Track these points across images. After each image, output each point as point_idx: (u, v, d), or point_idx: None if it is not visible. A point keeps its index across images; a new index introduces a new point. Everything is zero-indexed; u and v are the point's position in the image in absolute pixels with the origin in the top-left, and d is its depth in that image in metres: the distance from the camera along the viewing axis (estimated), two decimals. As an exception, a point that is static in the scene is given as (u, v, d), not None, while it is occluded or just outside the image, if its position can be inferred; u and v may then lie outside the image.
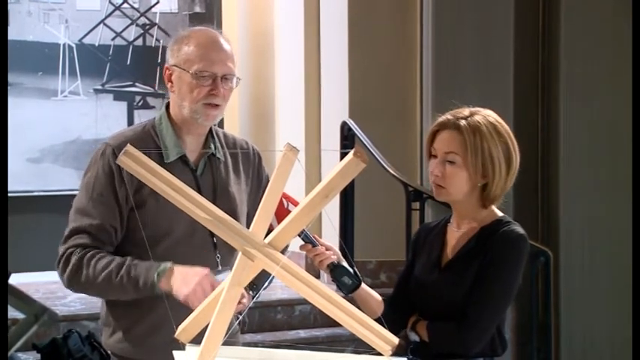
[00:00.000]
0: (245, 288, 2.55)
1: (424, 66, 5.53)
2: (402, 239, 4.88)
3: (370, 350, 2.01)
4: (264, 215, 1.93)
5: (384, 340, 1.97)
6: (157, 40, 6.35)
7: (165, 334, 2.33)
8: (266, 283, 2.34)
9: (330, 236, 5.05)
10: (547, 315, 4.96)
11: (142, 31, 6.34)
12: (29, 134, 6.03)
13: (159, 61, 6.31)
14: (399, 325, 2.60)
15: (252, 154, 2.89)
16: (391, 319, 2.30)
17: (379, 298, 2.66)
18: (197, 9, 6.42)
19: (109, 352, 2.79)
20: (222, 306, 1.90)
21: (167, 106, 2.78)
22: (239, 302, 2.58)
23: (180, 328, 2.04)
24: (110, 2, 6.26)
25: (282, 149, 1.87)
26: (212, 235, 2.66)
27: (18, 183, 5.85)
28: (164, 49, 6.30)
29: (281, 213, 2.18)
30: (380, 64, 5.65)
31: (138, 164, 1.85)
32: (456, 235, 2.64)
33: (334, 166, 1.88)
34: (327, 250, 2.56)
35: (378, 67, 5.65)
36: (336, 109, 5.72)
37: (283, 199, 2.45)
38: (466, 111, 2.60)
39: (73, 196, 2.76)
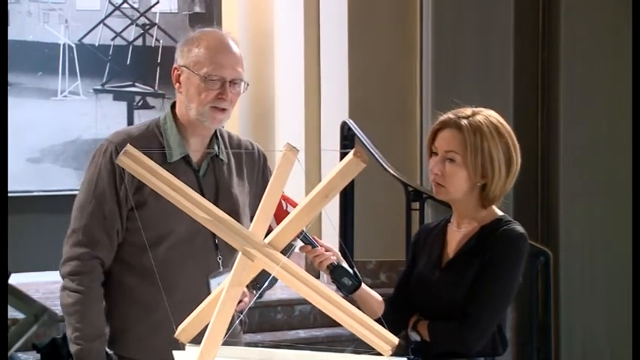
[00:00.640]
0: (248, 286, 2.56)
1: (424, 66, 5.53)
2: (402, 239, 4.88)
3: (370, 350, 2.01)
4: (263, 215, 1.93)
5: (384, 340, 1.97)
6: (156, 40, 6.35)
7: (165, 334, 2.33)
8: (266, 284, 2.34)
9: (330, 236, 5.05)
10: (547, 315, 4.96)
11: (142, 31, 6.34)
12: (29, 134, 6.02)
13: (159, 61, 6.31)
14: (399, 325, 2.60)
15: (257, 155, 2.89)
16: (391, 319, 2.30)
17: (379, 298, 2.66)
18: (197, 9, 6.42)
19: (110, 351, 2.79)
20: (222, 306, 1.90)
21: (172, 106, 2.79)
22: (240, 301, 2.59)
23: (180, 328, 2.04)
24: (110, 2, 6.26)
25: (282, 149, 1.87)
26: (214, 236, 2.66)
27: (18, 183, 5.85)
28: (164, 49, 6.36)
29: (280, 214, 2.18)
30: (380, 64, 5.65)
31: (137, 164, 1.85)
32: (456, 235, 2.64)
33: (334, 166, 1.88)
34: (326, 250, 2.56)
35: (378, 67, 5.65)
36: (336, 109, 5.72)
37: (282, 201, 2.45)
38: (468, 110, 2.60)
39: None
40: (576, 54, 5.55)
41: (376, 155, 5.04)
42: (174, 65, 2.74)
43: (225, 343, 1.94)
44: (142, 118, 6.02)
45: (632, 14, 5.00)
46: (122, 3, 6.29)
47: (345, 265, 2.57)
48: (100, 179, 2.68)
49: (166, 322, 2.20)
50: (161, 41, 6.33)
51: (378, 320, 2.00)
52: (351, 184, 4.96)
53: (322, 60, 5.93)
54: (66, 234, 2.72)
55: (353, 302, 2.14)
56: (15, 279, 1.68)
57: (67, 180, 6.01)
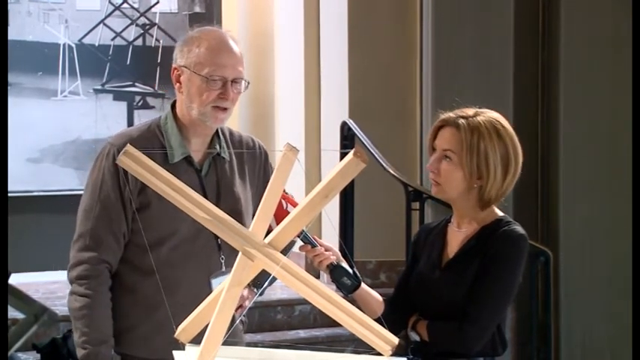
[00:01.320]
0: (248, 285, 2.56)
1: (424, 66, 5.53)
2: (402, 239, 4.88)
3: (370, 350, 2.01)
4: (263, 215, 1.93)
5: (384, 340, 1.97)
6: (156, 40, 6.35)
7: (166, 334, 2.33)
8: (266, 283, 2.34)
9: (330, 236, 5.05)
10: (547, 315, 4.96)
11: (142, 31, 6.34)
12: (29, 134, 6.02)
13: (159, 61, 6.31)
14: (399, 325, 2.60)
15: (259, 152, 2.89)
16: (391, 319, 2.30)
17: (379, 298, 2.66)
18: (197, 9, 6.42)
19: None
20: (222, 306, 1.90)
21: (172, 106, 2.78)
22: (240, 306, 2.59)
23: (180, 328, 2.03)
24: (110, 2, 6.26)
25: (282, 149, 1.87)
26: (216, 236, 2.66)
27: (18, 183, 5.84)
28: (164, 49, 6.36)
29: (280, 214, 2.18)
30: (380, 64, 5.65)
31: (138, 164, 1.85)
32: (456, 235, 2.65)
33: (334, 166, 1.88)
34: (326, 250, 2.56)
35: (378, 67, 5.65)
36: (336, 109, 5.72)
37: (282, 201, 2.45)
38: (471, 111, 2.60)
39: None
40: (576, 54, 5.55)
41: (376, 155, 5.04)
42: (174, 65, 2.73)
43: (227, 343, 1.94)
44: (142, 118, 6.02)
45: (632, 14, 5.00)
46: (122, 3, 6.29)
47: (344, 264, 2.57)
48: (104, 182, 2.68)
49: (169, 321, 2.20)
50: (161, 41, 6.33)
51: (377, 320, 2.00)
52: (351, 184, 4.96)
53: (322, 60, 5.93)
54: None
55: (353, 302, 2.14)
56: (15, 279, 1.68)
57: (67, 180, 6.00)
